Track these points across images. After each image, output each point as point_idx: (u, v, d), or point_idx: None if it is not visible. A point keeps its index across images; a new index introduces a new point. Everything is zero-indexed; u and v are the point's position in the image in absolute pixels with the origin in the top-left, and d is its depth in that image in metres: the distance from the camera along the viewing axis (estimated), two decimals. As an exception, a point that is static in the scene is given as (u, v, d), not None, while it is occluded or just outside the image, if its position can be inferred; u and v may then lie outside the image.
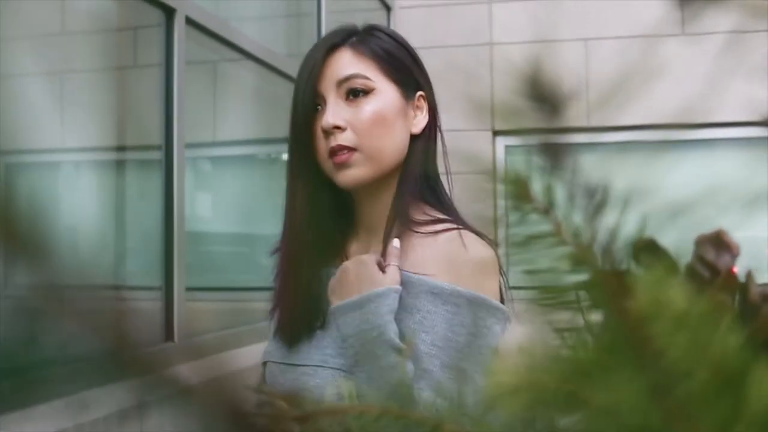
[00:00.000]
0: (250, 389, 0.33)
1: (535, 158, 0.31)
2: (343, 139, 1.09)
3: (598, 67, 4.56)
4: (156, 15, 2.72)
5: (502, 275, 1.09)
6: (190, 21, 2.83)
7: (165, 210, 2.70)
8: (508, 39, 4.71)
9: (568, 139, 0.30)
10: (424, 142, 1.15)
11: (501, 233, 0.33)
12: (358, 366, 1.03)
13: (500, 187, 0.32)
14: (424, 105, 1.16)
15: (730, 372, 0.28)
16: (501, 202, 0.32)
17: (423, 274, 1.05)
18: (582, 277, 0.31)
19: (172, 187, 2.70)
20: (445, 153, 1.19)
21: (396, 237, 1.09)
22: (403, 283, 1.05)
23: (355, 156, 1.09)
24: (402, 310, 1.04)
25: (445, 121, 1.19)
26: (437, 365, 1.00)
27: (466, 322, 1.03)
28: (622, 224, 0.30)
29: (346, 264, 1.09)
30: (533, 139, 0.31)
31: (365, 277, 1.05)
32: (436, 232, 1.08)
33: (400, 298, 1.04)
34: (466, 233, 1.07)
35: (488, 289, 1.06)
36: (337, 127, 1.09)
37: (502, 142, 4.57)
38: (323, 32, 3.80)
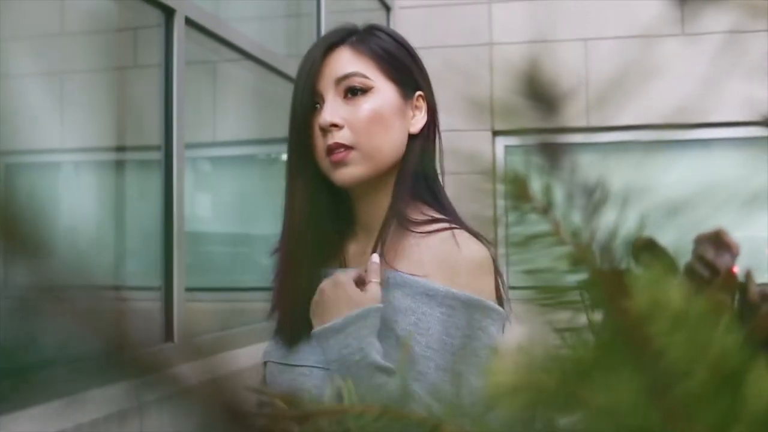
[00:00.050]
0: (250, 389, 0.33)
1: (534, 158, 0.31)
2: (341, 137, 1.09)
3: (597, 66, 4.57)
4: (156, 15, 2.72)
5: (498, 274, 1.08)
6: (189, 21, 2.83)
7: (164, 210, 2.70)
8: (507, 39, 4.71)
9: (567, 139, 0.30)
10: (423, 141, 1.14)
11: (500, 233, 0.33)
12: None
13: (499, 187, 0.32)
14: (423, 105, 1.16)
15: (729, 371, 0.28)
16: (500, 202, 0.32)
17: (418, 276, 1.05)
18: (581, 276, 0.31)
19: (171, 187, 2.70)
20: (441, 153, 1.19)
21: (392, 237, 1.09)
22: (399, 283, 1.05)
23: (352, 154, 1.09)
24: (397, 311, 1.04)
25: (444, 121, 1.18)
26: (432, 368, 1.00)
27: (461, 324, 1.02)
28: (620, 224, 0.30)
29: (324, 285, 1.07)
30: (532, 139, 0.31)
31: (344, 298, 1.04)
32: (432, 232, 1.08)
33: (395, 298, 1.04)
34: (460, 233, 1.07)
35: (483, 289, 1.05)
36: (335, 125, 1.09)
37: (501, 142, 4.57)
38: (323, 32, 3.80)
